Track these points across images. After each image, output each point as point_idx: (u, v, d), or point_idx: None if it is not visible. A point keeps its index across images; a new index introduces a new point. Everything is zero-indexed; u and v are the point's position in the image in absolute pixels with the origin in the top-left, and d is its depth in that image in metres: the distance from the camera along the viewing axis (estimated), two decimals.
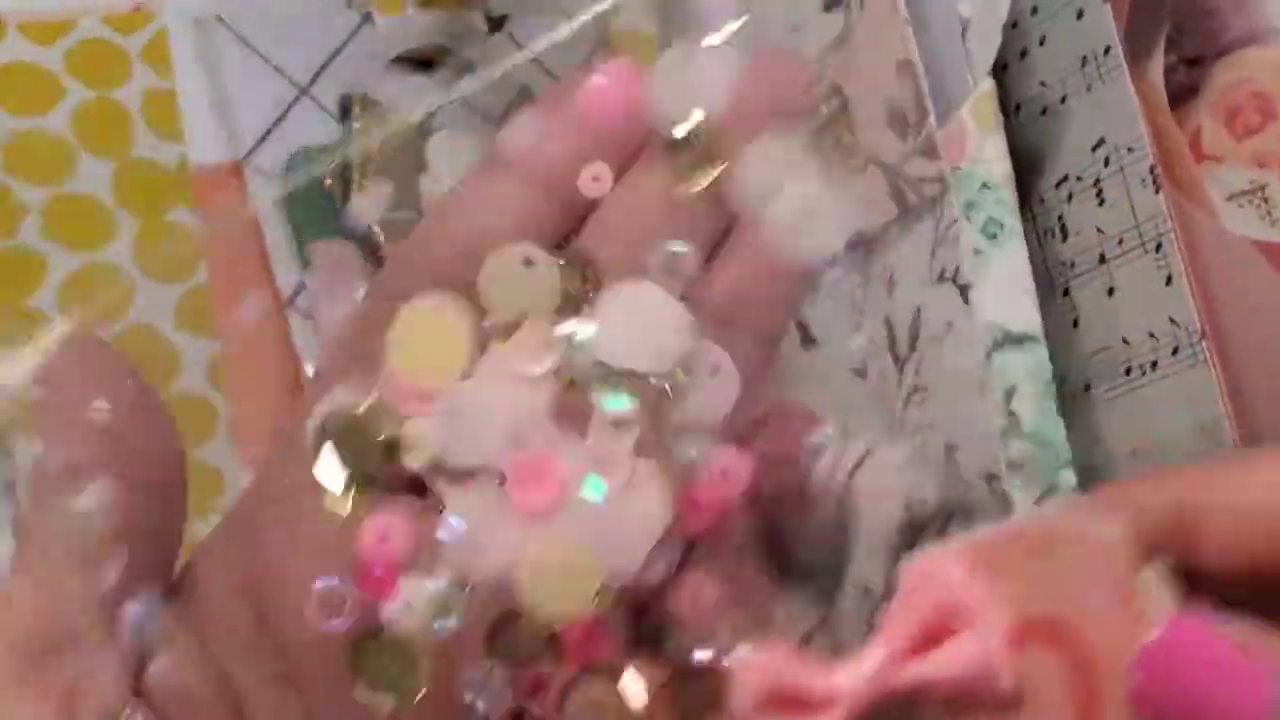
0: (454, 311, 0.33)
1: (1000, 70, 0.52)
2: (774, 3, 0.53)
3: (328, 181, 0.53)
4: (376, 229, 0.52)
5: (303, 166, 0.52)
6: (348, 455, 0.33)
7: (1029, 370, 0.50)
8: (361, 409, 0.32)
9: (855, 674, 0.28)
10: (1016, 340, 0.50)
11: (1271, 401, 0.47)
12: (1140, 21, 0.49)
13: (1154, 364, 0.48)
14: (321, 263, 0.52)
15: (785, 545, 0.30)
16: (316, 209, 0.53)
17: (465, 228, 0.36)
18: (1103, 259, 0.50)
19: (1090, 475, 0.50)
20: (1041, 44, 0.52)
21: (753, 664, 0.28)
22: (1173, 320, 0.48)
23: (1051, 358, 0.50)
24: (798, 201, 0.33)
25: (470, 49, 0.55)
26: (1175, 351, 0.48)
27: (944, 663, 0.28)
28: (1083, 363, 0.51)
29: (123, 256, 0.52)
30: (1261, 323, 0.47)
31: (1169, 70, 0.50)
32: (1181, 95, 0.50)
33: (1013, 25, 0.52)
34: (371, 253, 0.52)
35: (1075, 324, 0.51)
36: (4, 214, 0.52)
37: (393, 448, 0.33)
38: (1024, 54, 0.52)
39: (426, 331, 0.33)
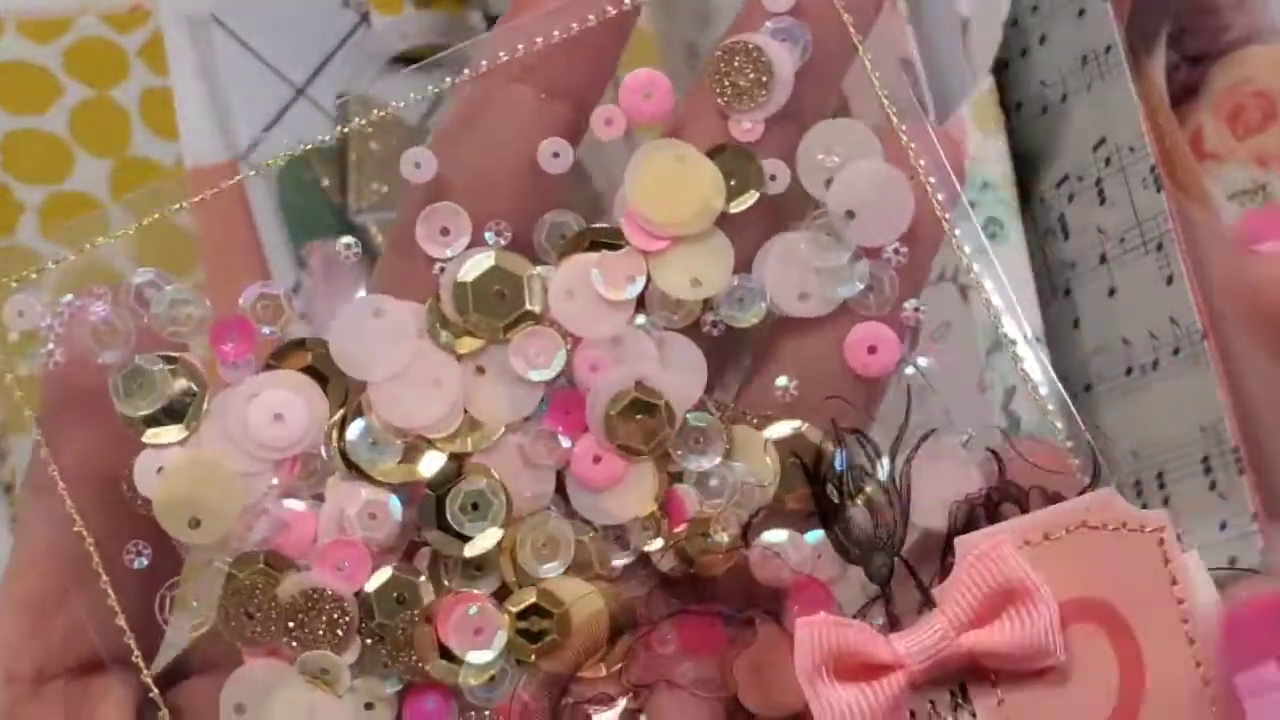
0: None
1: (1001, 69, 0.52)
2: None
3: (325, 182, 0.53)
4: (374, 229, 0.52)
5: (299, 167, 0.52)
6: None
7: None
8: None
9: (918, 641, 0.30)
10: (1016, 340, 0.50)
11: (1271, 402, 0.46)
12: (1142, 20, 0.49)
13: (1154, 364, 0.48)
14: (318, 263, 0.52)
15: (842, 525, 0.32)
16: (313, 209, 0.53)
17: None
18: (1103, 259, 0.50)
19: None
20: (1042, 43, 0.51)
21: (815, 626, 0.29)
22: (1173, 320, 0.47)
23: (1051, 358, 0.50)
24: None
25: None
26: (1176, 351, 0.47)
27: (1003, 634, 0.30)
28: (1083, 363, 0.50)
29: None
30: None
31: (1170, 69, 0.49)
32: (1183, 94, 0.49)
33: (1013, 24, 0.51)
34: (369, 253, 0.52)
35: (1075, 324, 0.51)
36: (2, 212, 0.52)
37: None
38: (1025, 53, 0.52)
39: None
